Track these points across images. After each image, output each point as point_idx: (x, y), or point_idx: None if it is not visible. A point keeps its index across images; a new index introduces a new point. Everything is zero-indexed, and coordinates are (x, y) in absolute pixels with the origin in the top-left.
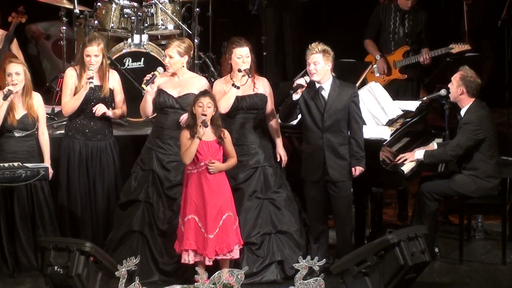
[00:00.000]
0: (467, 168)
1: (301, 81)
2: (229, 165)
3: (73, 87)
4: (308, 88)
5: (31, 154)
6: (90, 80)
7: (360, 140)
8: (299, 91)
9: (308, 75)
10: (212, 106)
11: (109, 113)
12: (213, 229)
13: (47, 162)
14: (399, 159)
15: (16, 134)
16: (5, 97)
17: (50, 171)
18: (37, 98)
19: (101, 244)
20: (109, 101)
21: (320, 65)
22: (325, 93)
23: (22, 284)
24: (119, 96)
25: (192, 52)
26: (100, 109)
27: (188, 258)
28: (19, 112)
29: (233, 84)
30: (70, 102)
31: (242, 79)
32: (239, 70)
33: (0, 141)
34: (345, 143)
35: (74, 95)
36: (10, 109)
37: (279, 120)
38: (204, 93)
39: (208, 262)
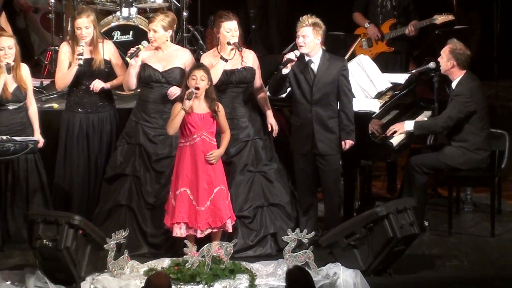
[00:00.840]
0: (456, 140)
1: (291, 55)
2: (225, 145)
3: (67, 62)
4: (298, 61)
5: (25, 125)
6: (80, 57)
7: (349, 113)
8: (289, 65)
9: (297, 48)
10: (205, 79)
11: (107, 85)
12: (204, 201)
13: (37, 132)
14: (389, 131)
15: (10, 107)
16: (9, 71)
17: (41, 140)
18: (25, 69)
19: (92, 217)
20: (105, 73)
21: (309, 39)
22: (314, 66)
23: (11, 257)
24: (118, 65)
25: (175, 26)
26: (96, 85)
27: (180, 231)
28: (11, 85)
29: (221, 57)
30: (62, 78)
31: (231, 52)
32: (228, 43)
33: None
34: (334, 116)
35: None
36: (4, 83)
37: (268, 93)
38: (198, 66)
39: (200, 235)
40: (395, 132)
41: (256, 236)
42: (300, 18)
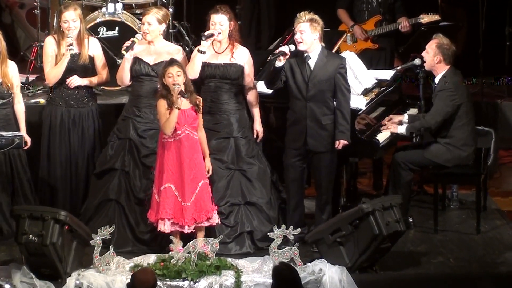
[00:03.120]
0: (442, 136)
1: (285, 48)
2: (205, 140)
3: (53, 55)
4: (296, 56)
5: (8, 122)
6: (70, 47)
7: (345, 112)
8: (282, 58)
9: (293, 44)
10: (181, 74)
11: (85, 82)
12: (189, 196)
13: (23, 131)
14: (384, 124)
15: None
16: None
17: (27, 138)
18: (11, 67)
19: (80, 212)
20: (88, 69)
21: (306, 34)
22: (311, 62)
23: None
24: (99, 63)
25: (168, 20)
26: (73, 81)
27: (165, 227)
28: None
29: (198, 50)
30: (53, 71)
31: (204, 43)
32: (202, 35)
33: None
34: (329, 114)
35: (56, 64)
36: None
37: (259, 89)
38: (171, 62)
39: (188, 230)
40: (388, 128)
41: (231, 233)
42: (298, 15)
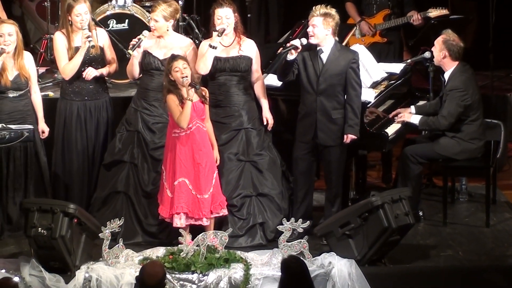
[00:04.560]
0: (451, 130)
1: (296, 42)
2: (212, 131)
3: (65, 50)
4: (310, 49)
5: (27, 113)
6: (90, 39)
7: (356, 106)
8: (294, 52)
9: (305, 37)
10: (187, 66)
11: (100, 72)
12: (207, 189)
13: (41, 120)
14: (393, 114)
15: (10, 95)
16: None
17: (45, 128)
18: (27, 58)
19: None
20: (100, 60)
21: (318, 29)
22: (324, 56)
23: (6, 246)
24: (109, 54)
25: (178, 16)
26: (89, 73)
27: (180, 221)
28: (12, 73)
29: (209, 45)
30: (69, 65)
31: (217, 38)
32: (214, 31)
33: None
34: (339, 108)
35: (69, 58)
36: (3, 70)
37: (266, 82)
38: (174, 58)
39: (206, 223)
40: (401, 117)
41: (243, 225)
42: (313, 8)
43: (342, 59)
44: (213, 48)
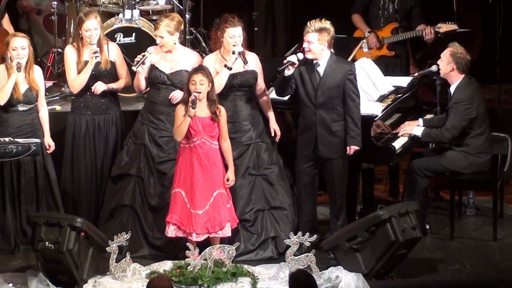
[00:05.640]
0: (458, 145)
1: (293, 58)
2: (231, 157)
3: (75, 64)
4: (306, 64)
5: (36, 126)
6: (96, 55)
7: (356, 117)
8: (291, 67)
9: (301, 52)
10: (205, 83)
11: (109, 87)
12: (202, 205)
13: (47, 135)
14: (399, 129)
15: (20, 108)
16: (19, 69)
17: (51, 143)
18: (37, 72)
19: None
20: (110, 74)
21: (314, 45)
22: (320, 69)
23: (13, 260)
24: (122, 68)
25: (182, 27)
26: (98, 87)
27: (169, 231)
28: (23, 86)
29: (225, 65)
30: (77, 79)
31: (235, 61)
32: (233, 53)
33: (4, 116)
34: (339, 120)
35: (79, 72)
36: (15, 84)
37: (272, 95)
38: (197, 69)
39: (196, 238)
40: (405, 131)
41: (257, 240)
42: (308, 23)
43: (339, 71)
44: (229, 69)
